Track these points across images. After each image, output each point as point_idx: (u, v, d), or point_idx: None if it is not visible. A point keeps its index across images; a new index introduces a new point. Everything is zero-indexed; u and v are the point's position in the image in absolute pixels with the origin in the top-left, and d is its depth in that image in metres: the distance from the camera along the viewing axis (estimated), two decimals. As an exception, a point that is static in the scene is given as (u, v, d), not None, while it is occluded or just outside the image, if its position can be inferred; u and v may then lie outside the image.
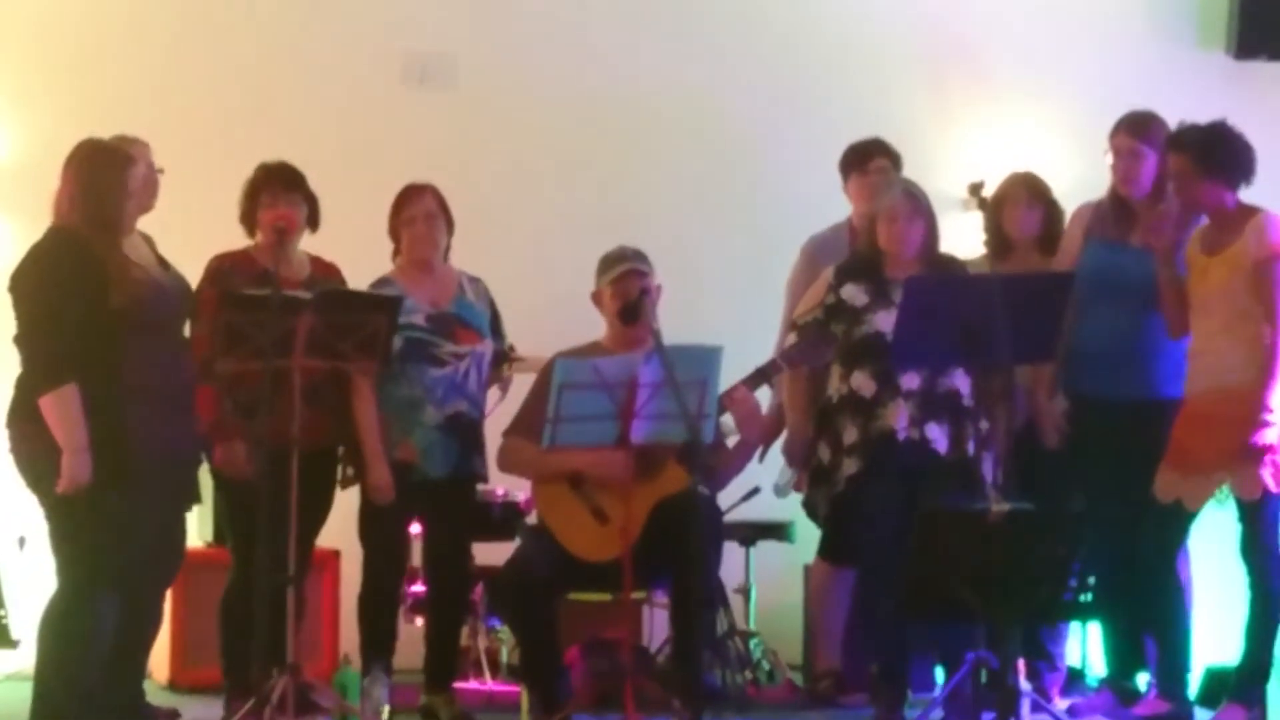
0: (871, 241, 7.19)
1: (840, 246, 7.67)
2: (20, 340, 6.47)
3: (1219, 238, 6.84)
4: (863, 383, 7.09)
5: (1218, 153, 6.81)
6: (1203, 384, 6.81)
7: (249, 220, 7.12)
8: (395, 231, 7.29)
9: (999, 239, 7.35)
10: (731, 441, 7.25)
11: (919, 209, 7.16)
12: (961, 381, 7.08)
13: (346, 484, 7.22)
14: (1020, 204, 7.50)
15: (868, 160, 7.78)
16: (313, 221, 7.14)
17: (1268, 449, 6.65)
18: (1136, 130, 7.20)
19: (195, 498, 6.88)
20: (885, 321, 7.02)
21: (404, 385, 7.12)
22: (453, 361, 7.19)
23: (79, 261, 6.39)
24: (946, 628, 7.03)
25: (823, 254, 7.68)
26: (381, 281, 7.22)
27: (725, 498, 7.25)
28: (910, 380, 7.05)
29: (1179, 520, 6.89)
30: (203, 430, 6.86)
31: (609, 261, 7.17)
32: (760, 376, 7.13)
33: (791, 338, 7.26)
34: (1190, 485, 6.80)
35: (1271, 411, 6.64)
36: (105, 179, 6.49)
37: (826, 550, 7.65)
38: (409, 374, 7.10)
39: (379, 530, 7.18)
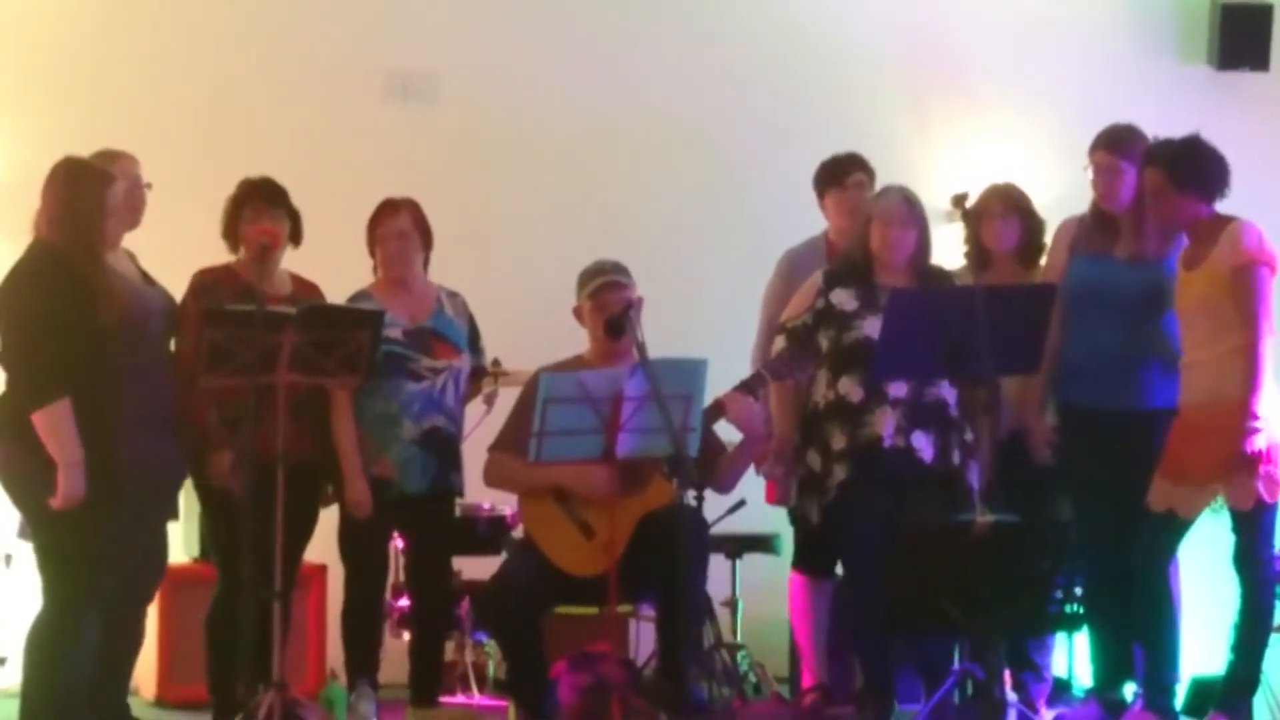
0: (863, 246, 7.19)
1: (816, 260, 7.66)
2: (5, 358, 6.46)
3: (1197, 251, 6.86)
4: (850, 389, 7.08)
5: (1191, 167, 6.83)
6: (1195, 396, 6.82)
7: (232, 235, 7.09)
8: (372, 246, 7.30)
9: (978, 251, 7.36)
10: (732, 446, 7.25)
11: (914, 216, 7.17)
12: (948, 392, 7.09)
13: (327, 502, 7.20)
14: (996, 217, 7.49)
15: (845, 175, 7.78)
16: (295, 237, 7.13)
17: (1259, 456, 6.65)
18: (1114, 146, 7.20)
19: (174, 513, 6.87)
20: (874, 327, 7.01)
21: (380, 400, 7.10)
22: (430, 376, 7.18)
23: (64, 277, 6.37)
24: (929, 640, 7.03)
25: (799, 268, 7.68)
26: (359, 295, 7.21)
27: (711, 510, 7.25)
28: (898, 388, 7.05)
29: (1171, 530, 6.88)
30: (190, 444, 6.85)
31: (587, 275, 7.18)
32: (745, 389, 7.12)
33: (779, 341, 7.26)
34: (1184, 495, 6.80)
35: (1259, 419, 6.65)
36: (84, 199, 6.47)
37: (803, 562, 7.61)
38: (385, 389, 7.09)
39: (359, 546, 7.17)
